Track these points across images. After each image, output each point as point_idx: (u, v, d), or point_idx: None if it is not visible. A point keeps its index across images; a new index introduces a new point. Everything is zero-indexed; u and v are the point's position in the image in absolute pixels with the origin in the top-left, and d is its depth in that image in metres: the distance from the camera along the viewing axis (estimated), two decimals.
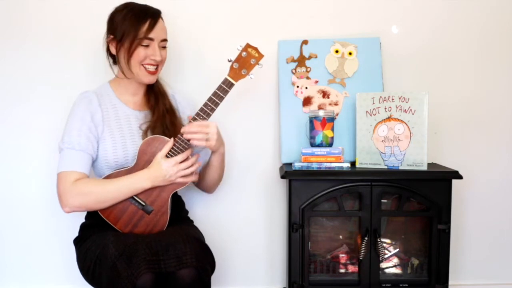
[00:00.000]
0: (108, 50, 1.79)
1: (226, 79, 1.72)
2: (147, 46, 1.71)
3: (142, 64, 1.73)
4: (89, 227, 1.76)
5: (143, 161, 1.70)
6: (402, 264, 2.00)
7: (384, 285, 1.92)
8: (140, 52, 1.71)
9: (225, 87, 1.72)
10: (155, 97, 1.82)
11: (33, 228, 2.13)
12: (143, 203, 1.70)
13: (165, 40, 1.76)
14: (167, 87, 1.89)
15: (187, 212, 1.94)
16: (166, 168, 1.67)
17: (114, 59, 1.79)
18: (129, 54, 1.70)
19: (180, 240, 1.56)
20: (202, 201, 2.14)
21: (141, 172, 1.68)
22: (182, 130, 1.68)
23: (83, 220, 1.81)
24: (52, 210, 1.96)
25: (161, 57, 1.74)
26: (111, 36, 1.73)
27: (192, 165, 1.71)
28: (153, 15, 1.72)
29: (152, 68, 1.74)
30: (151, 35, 1.70)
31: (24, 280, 2.15)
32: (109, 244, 1.57)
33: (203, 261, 1.56)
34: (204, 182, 1.91)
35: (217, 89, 1.72)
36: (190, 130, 1.67)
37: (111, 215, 1.69)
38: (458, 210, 2.15)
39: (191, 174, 1.72)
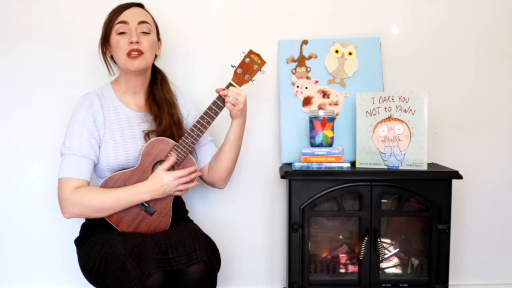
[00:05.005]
0: (103, 53, 1.79)
1: (230, 84, 1.73)
2: (123, 33, 1.71)
3: (128, 55, 1.70)
4: (90, 227, 1.75)
5: (146, 162, 1.70)
6: (402, 264, 2.00)
7: (384, 285, 1.92)
8: (119, 41, 1.70)
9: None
10: (159, 105, 1.79)
11: (34, 228, 2.13)
12: (146, 204, 1.70)
13: (144, 22, 1.72)
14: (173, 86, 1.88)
15: (187, 212, 1.94)
16: (167, 182, 1.67)
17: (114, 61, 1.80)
18: (109, 44, 1.72)
19: (188, 237, 1.57)
20: (201, 201, 2.14)
21: (141, 184, 1.67)
22: (217, 90, 1.71)
23: (84, 220, 1.81)
24: (53, 210, 1.96)
25: (138, 39, 1.70)
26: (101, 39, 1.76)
27: (190, 181, 1.72)
28: (125, 5, 1.74)
29: (134, 54, 1.70)
30: (123, 18, 1.70)
31: (25, 280, 2.15)
32: (116, 244, 1.58)
33: (211, 257, 1.58)
34: (216, 171, 1.85)
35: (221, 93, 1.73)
36: (224, 93, 1.71)
37: (113, 216, 1.69)
38: (458, 210, 2.15)
39: (187, 189, 1.74)
